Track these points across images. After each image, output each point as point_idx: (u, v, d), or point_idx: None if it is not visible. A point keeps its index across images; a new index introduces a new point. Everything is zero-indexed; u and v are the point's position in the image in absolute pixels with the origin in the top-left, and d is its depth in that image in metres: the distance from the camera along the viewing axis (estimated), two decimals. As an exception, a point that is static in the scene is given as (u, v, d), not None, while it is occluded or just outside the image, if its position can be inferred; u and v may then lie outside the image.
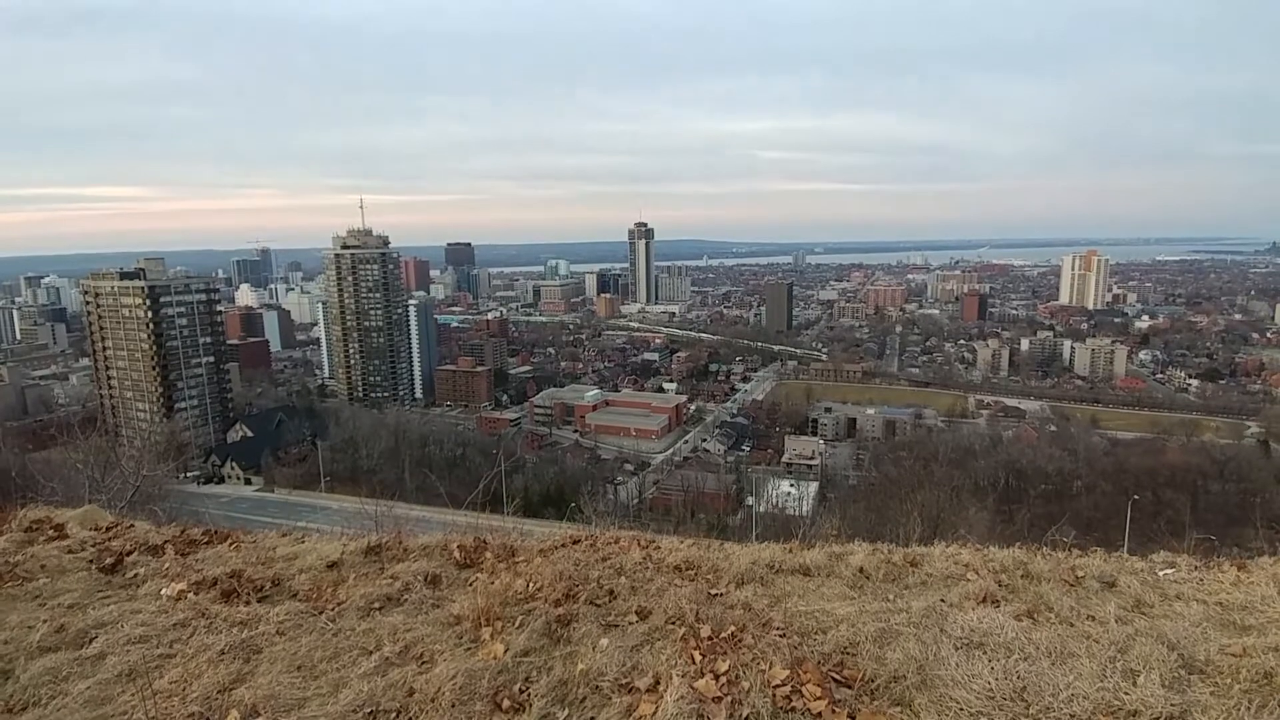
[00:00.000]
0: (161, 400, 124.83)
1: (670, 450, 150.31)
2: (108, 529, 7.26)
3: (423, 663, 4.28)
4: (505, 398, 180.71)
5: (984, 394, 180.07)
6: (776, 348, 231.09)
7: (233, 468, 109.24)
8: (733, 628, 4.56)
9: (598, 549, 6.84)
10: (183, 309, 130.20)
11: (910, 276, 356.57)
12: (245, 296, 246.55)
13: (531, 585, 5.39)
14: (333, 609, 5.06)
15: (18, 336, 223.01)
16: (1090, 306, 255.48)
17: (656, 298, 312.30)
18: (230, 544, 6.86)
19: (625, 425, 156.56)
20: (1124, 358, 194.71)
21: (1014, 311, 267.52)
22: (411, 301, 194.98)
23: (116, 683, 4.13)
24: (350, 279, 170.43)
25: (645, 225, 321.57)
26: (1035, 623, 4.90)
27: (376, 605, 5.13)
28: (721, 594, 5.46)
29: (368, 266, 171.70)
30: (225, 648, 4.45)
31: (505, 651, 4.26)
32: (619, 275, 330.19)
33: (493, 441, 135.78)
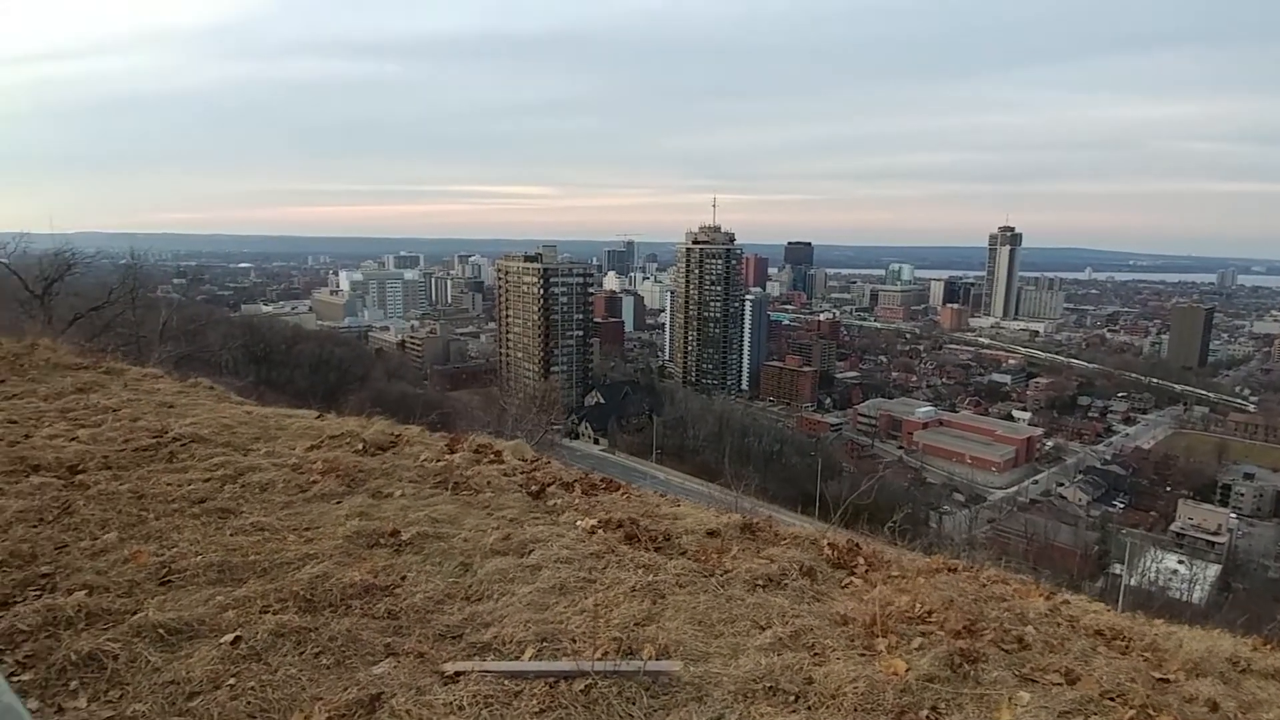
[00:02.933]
0: (542, 363, 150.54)
1: (1014, 487, 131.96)
2: (531, 462, 8.74)
3: (815, 654, 4.18)
4: (828, 401, 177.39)
5: None
6: (1179, 388, 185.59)
7: (586, 427, 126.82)
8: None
9: (982, 584, 6.08)
10: (565, 289, 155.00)
11: None
12: (610, 282, 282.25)
13: (919, 606, 4.96)
14: (720, 574, 5.29)
15: (448, 300, 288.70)
16: None
17: (1016, 312, 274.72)
18: (622, 494, 7.70)
19: (960, 450, 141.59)
20: None
21: None
22: (748, 296, 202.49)
23: (550, 593, 4.82)
24: (697, 271, 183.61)
25: (1011, 230, 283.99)
26: None
27: (760, 583, 5.22)
28: (1170, 681, 4.36)
29: (713, 261, 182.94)
30: (635, 585, 4.93)
31: (907, 670, 3.94)
32: (971, 284, 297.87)
33: (811, 443, 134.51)
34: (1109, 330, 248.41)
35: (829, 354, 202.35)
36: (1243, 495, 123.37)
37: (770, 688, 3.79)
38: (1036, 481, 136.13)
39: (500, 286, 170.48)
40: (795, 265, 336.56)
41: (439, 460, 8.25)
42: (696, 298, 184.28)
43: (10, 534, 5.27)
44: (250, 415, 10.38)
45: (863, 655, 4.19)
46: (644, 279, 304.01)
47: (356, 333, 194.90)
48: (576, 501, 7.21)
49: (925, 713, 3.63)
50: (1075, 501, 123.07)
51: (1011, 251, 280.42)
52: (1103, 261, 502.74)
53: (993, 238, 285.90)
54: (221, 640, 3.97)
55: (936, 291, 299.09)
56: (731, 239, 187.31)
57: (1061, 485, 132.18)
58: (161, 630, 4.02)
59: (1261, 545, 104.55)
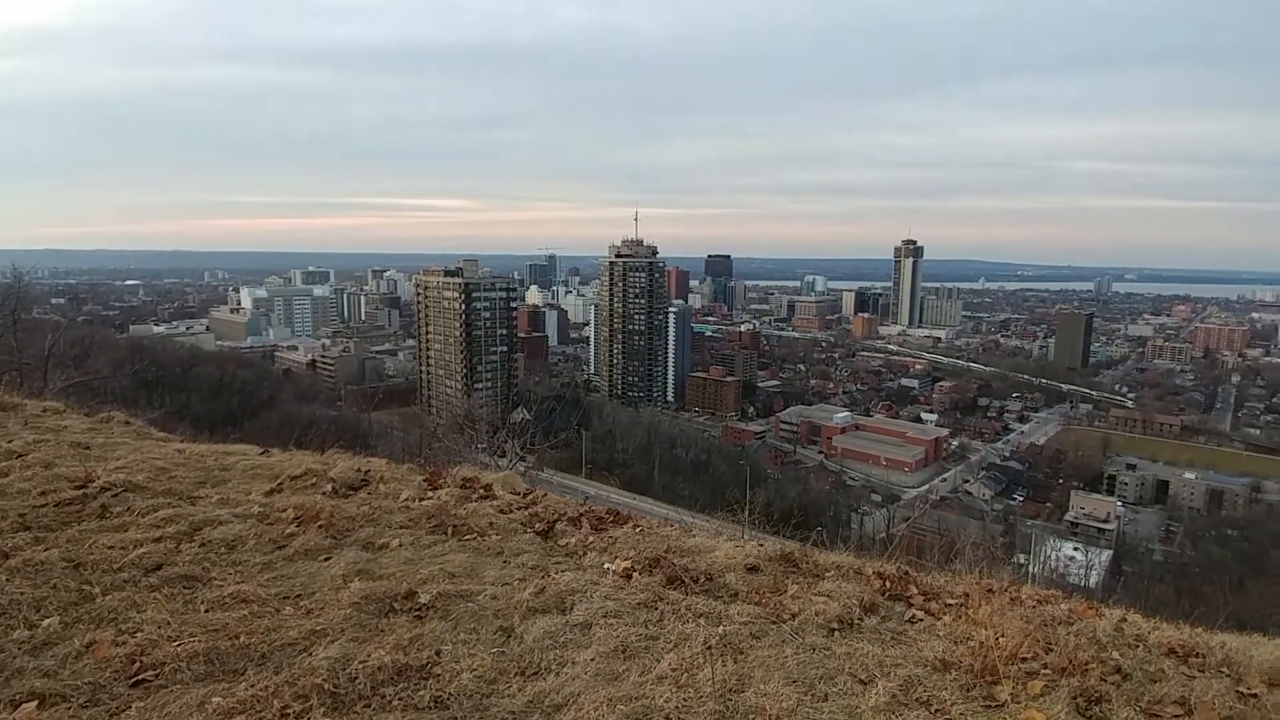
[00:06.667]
0: (465, 380, 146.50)
1: (925, 486, 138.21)
2: (525, 495, 7.99)
3: (936, 711, 3.74)
4: (752, 410, 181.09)
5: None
6: (1065, 387, 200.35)
7: (514, 445, 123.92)
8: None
9: (1024, 604, 5.85)
10: (488, 304, 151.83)
11: (1256, 315, 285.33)
12: (533, 296, 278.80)
13: (1003, 640, 4.62)
14: (790, 619, 4.79)
15: (363, 317, 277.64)
16: None
17: (920, 320, 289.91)
18: (633, 526, 7.08)
19: (875, 453, 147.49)
20: None
21: None
22: (672, 309, 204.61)
23: (616, 658, 4.18)
24: (620, 285, 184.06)
25: (913, 243, 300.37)
26: None
27: (834, 626, 4.75)
28: (1257, 695, 4.21)
29: (636, 274, 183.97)
30: (706, 640, 4.35)
31: (1048, 724, 3.55)
32: (879, 295, 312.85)
33: (737, 452, 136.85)
34: (1002, 335, 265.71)
35: (751, 364, 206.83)
36: (1126, 484, 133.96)
37: (907, 761, 3.31)
38: (945, 479, 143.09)
39: (420, 302, 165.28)
40: (716, 278, 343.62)
41: (425, 499, 7.39)
42: (621, 311, 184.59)
43: (-86, 628, 4.16)
44: (184, 455, 9.13)
45: (988, 707, 3.78)
46: (567, 293, 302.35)
47: (261, 353, 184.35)
48: (590, 539, 6.55)
49: (1086, 776, 3.24)
50: (980, 497, 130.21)
51: (914, 263, 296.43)
52: (994, 272, 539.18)
53: (897, 250, 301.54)
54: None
55: (848, 302, 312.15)
56: (654, 252, 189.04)
57: (967, 482, 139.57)
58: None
59: (1145, 530, 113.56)
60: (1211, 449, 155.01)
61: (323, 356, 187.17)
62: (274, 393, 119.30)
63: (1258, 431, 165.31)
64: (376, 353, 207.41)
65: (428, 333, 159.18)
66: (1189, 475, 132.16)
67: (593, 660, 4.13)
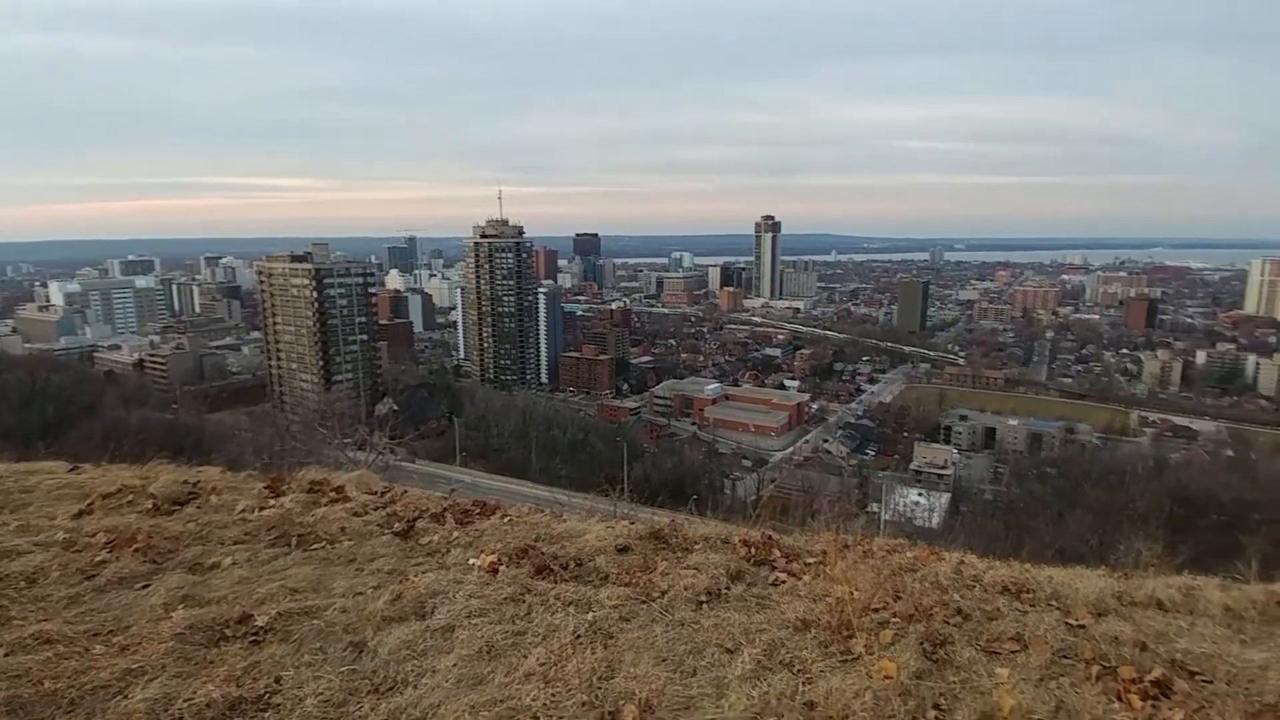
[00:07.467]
0: (322, 373, 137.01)
1: (790, 449, 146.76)
2: (383, 494, 7.49)
3: (799, 672, 3.86)
4: (626, 387, 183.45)
5: (1149, 410, 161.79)
6: (907, 349, 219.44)
7: (379, 437, 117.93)
8: (1159, 671, 3.82)
9: (876, 555, 6.25)
10: (343, 290, 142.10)
11: (1066, 277, 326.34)
12: (394, 281, 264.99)
13: (857, 594, 4.88)
14: (659, 597, 4.78)
15: (197, 309, 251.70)
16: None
17: (781, 293, 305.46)
18: (501, 516, 6.84)
19: (744, 421, 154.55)
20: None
21: (1189, 320, 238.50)
22: (541, 289, 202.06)
23: (480, 660, 3.97)
24: (487, 266, 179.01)
25: (772, 219, 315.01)
26: None
27: (702, 599, 4.80)
28: (1084, 626, 4.71)
29: (503, 255, 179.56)
30: (576, 630, 4.24)
31: (899, 671, 3.75)
32: (743, 269, 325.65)
33: (613, 429, 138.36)
34: (853, 304, 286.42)
35: (623, 341, 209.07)
36: (960, 434, 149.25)
37: (774, 725, 3.38)
38: (807, 441, 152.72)
39: (264, 291, 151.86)
40: (584, 256, 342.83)
41: (265, 508, 6.73)
42: (489, 293, 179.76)
43: None
44: (-33, 477, 7.77)
45: (845, 661, 3.95)
46: (431, 276, 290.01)
47: (78, 354, 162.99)
48: (455, 535, 6.24)
49: (932, 714, 3.46)
50: (838, 454, 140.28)
51: (774, 238, 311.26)
52: (845, 245, 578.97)
53: (758, 226, 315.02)
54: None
55: (714, 277, 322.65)
56: (521, 232, 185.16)
57: (826, 441, 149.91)
58: None
59: (978, 473, 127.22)
60: (1031, 398, 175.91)
61: (152, 355, 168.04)
62: (96, 398, 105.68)
63: (1069, 380, 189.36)
64: (216, 348, 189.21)
65: (275, 324, 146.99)
66: (1012, 422, 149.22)
67: (455, 666, 3.90)
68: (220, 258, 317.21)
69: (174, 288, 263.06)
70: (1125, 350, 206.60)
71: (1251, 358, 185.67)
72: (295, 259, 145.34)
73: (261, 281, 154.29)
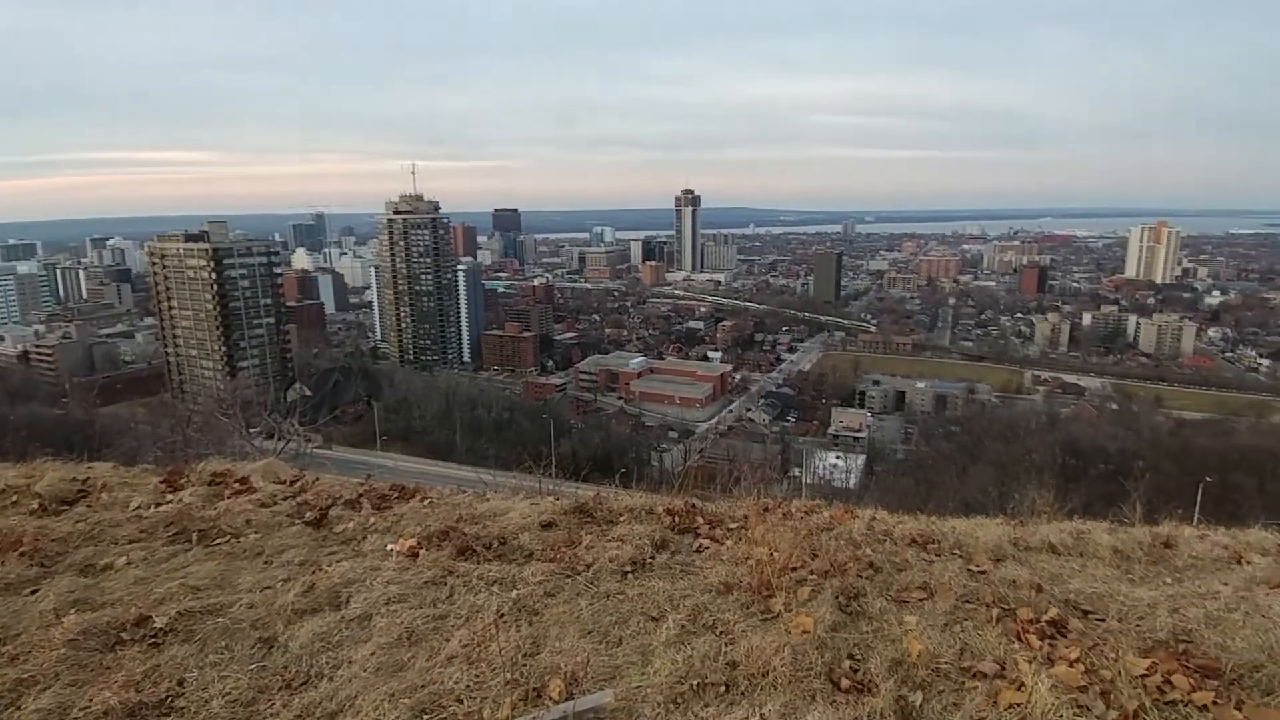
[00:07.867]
0: (225, 359, 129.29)
1: (715, 419, 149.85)
2: (292, 482, 7.16)
3: (722, 633, 3.95)
4: (551, 363, 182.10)
5: (1041, 369, 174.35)
6: (824, 318, 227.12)
7: (292, 425, 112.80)
8: (1055, 611, 4.13)
9: (795, 517, 6.48)
10: (245, 271, 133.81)
11: (966, 247, 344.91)
12: (301, 260, 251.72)
13: (776, 555, 5.03)
14: (584, 570, 4.79)
15: (84, 295, 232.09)
16: (1158, 281, 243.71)
17: (702, 266, 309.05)
18: (421, 499, 6.67)
19: (669, 393, 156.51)
20: (1192, 335, 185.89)
21: (1076, 284, 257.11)
22: (460, 267, 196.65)
23: (400, 647, 3.88)
24: (402, 244, 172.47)
25: (691, 192, 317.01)
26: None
27: (628, 569, 4.83)
28: (985, 571, 5.04)
29: (419, 232, 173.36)
30: (500, 609, 4.19)
31: (815, 625, 3.90)
32: (664, 243, 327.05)
33: (539, 406, 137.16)
34: (771, 276, 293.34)
35: (546, 318, 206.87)
36: (873, 398, 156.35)
37: (699, 685, 3.46)
38: (731, 410, 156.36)
39: (157, 274, 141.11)
40: (504, 233, 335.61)
41: (161, 504, 6.31)
42: (405, 271, 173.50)
43: None
44: None
45: (765, 620, 4.08)
46: (341, 254, 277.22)
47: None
48: (372, 521, 6.05)
49: (848, 664, 3.63)
50: (761, 422, 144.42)
51: (694, 212, 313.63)
52: (762, 218, 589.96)
53: (678, 200, 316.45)
54: None
55: (636, 251, 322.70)
56: (436, 208, 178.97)
57: (749, 410, 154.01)
58: None
59: (889, 435, 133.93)
60: (936, 361, 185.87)
61: (37, 346, 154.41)
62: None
63: (970, 344, 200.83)
64: (107, 336, 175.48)
65: (171, 309, 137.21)
66: (920, 385, 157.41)
67: (373, 654, 3.79)
68: (108, 239, 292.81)
69: (58, 272, 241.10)
70: (1020, 314, 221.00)
71: (1133, 318, 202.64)
72: (190, 238, 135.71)
73: (154, 264, 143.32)
